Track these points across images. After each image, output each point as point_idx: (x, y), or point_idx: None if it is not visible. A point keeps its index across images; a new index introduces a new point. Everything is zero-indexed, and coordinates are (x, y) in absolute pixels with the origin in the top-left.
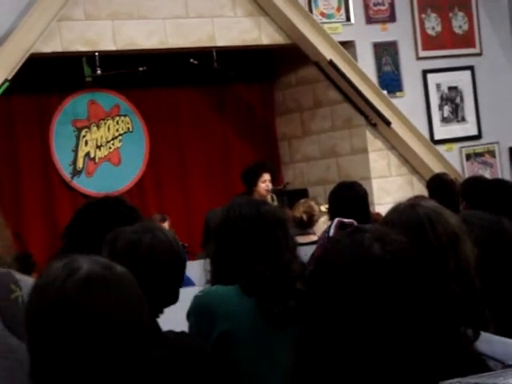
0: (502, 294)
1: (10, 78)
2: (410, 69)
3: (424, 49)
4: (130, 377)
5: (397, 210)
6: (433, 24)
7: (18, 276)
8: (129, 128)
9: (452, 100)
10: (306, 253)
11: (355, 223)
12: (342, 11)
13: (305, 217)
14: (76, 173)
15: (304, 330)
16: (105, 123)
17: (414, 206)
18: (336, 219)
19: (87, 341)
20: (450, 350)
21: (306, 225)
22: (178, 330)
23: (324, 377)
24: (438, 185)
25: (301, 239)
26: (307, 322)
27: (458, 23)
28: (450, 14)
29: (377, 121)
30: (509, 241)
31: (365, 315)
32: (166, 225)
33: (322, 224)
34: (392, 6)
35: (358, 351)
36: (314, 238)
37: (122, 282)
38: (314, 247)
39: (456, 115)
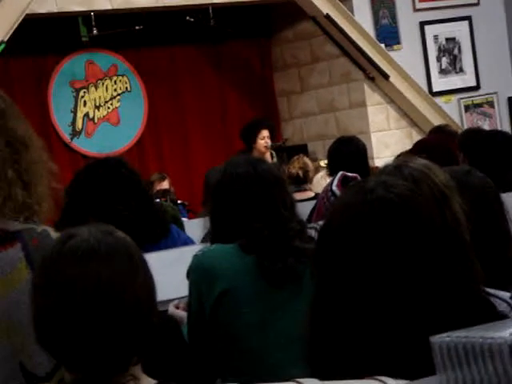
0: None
1: (5, 39)
2: (407, 21)
3: (421, 0)
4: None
5: (383, 172)
6: None
7: None
8: (127, 88)
9: (450, 51)
10: (303, 210)
11: (359, 177)
12: None
13: (301, 173)
14: (75, 133)
15: (317, 285)
16: (103, 83)
17: (399, 166)
18: (340, 172)
19: (81, 312)
20: (460, 294)
21: (302, 181)
22: (178, 289)
23: (341, 326)
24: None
25: (298, 196)
26: (319, 276)
27: None
28: None
29: (375, 74)
30: (475, 193)
31: (374, 259)
32: (165, 183)
33: (320, 179)
34: None
35: (370, 296)
36: (311, 194)
37: (115, 254)
38: (311, 203)
39: (454, 66)
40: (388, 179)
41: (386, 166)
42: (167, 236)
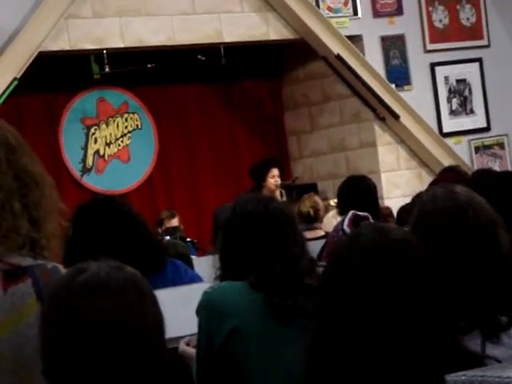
0: None
1: (18, 76)
2: (417, 62)
3: (432, 42)
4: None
5: (434, 197)
6: (440, 16)
7: None
8: (137, 125)
9: (460, 93)
10: (313, 248)
11: (369, 216)
12: (349, 5)
13: (311, 212)
14: (86, 170)
15: (317, 323)
16: (113, 120)
17: (450, 192)
18: (350, 212)
19: (91, 346)
20: (444, 348)
21: (313, 220)
22: (187, 326)
23: (339, 364)
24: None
25: (308, 234)
26: (320, 315)
27: (466, 15)
28: (458, 6)
29: (385, 114)
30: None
31: (375, 304)
32: (175, 221)
33: (331, 218)
34: None
35: (371, 337)
36: (321, 232)
37: (124, 288)
38: (321, 242)
39: (464, 108)
40: (385, 227)
41: (436, 191)
42: (168, 262)
